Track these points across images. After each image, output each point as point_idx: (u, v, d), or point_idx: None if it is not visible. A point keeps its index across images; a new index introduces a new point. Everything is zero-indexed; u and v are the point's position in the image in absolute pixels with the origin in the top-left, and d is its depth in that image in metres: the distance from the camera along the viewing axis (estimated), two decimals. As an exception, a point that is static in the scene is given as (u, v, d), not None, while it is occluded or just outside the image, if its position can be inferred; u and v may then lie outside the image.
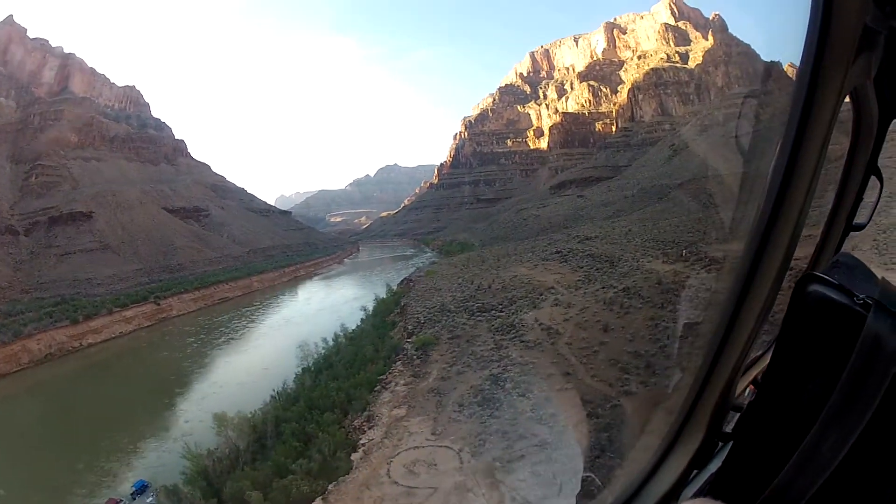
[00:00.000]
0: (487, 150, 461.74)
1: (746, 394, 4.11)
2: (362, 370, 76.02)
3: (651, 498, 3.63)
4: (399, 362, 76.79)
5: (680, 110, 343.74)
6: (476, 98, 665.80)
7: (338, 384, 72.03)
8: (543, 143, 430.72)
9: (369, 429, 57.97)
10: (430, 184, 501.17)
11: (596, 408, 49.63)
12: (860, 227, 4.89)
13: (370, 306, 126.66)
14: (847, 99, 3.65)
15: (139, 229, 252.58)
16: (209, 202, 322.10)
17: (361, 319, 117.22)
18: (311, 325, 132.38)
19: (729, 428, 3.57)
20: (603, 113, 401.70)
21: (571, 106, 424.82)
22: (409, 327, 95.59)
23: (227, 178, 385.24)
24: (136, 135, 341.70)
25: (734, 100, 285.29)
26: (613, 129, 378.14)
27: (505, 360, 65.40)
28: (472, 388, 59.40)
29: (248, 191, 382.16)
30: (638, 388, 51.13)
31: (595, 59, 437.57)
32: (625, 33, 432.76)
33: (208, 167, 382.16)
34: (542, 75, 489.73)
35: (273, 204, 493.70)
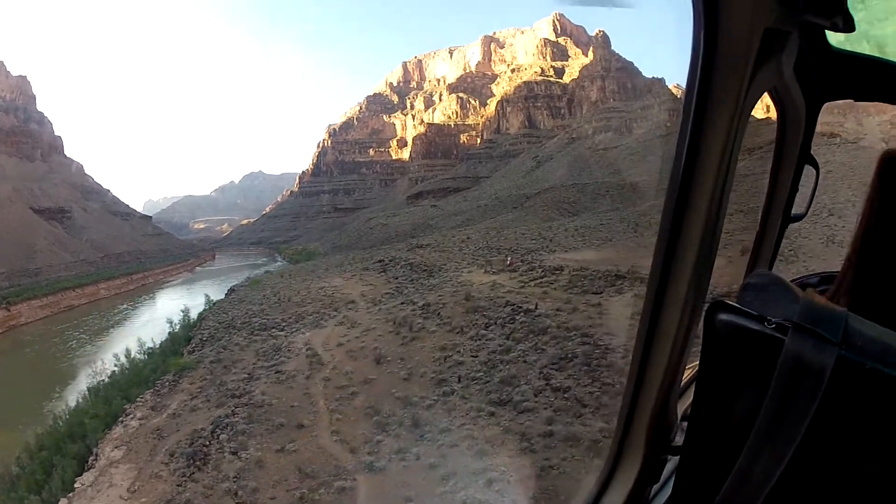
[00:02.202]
0: (349, 158, 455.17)
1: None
2: (126, 394, 66.76)
3: None
4: (150, 391, 66.55)
5: (548, 123, 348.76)
6: (347, 106, 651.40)
7: (96, 410, 62.42)
8: (406, 154, 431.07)
9: (86, 470, 48.50)
10: (291, 192, 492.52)
11: (317, 487, 38.95)
12: (798, 218, 4.70)
13: (192, 318, 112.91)
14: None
15: (4, 229, 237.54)
16: (74, 204, 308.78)
17: (169, 333, 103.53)
18: (128, 339, 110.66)
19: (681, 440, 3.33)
20: (469, 125, 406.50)
21: (438, 117, 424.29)
22: (191, 346, 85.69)
23: (97, 180, 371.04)
24: (18, 128, 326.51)
25: (607, 114, 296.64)
26: (479, 141, 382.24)
27: (245, 398, 54.44)
28: (191, 434, 49.12)
29: (118, 193, 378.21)
30: (389, 460, 40.48)
31: (468, 71, 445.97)
32: (502, 47, 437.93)
33: (81, 167, 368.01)
34: (412, 86, 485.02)
35: (142, 208, 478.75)
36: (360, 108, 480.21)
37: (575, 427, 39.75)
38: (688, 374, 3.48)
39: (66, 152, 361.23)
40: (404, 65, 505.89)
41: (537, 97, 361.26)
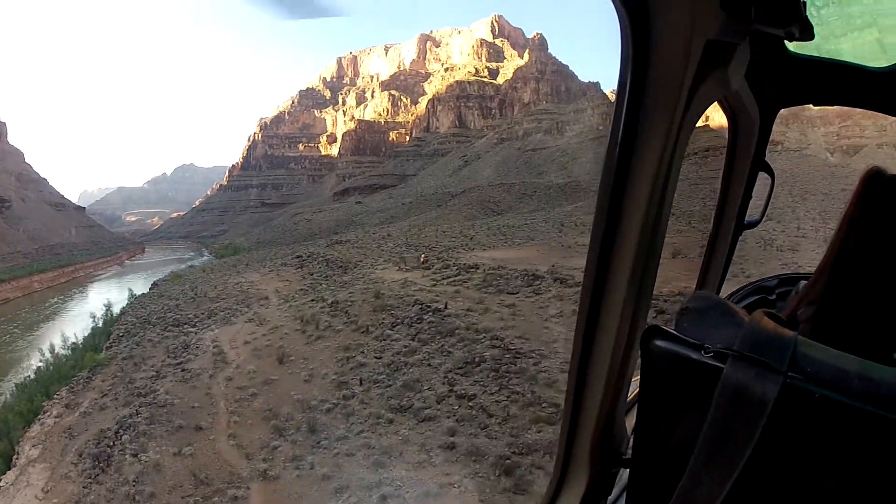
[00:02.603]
0: (279, 153, 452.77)
1: None
2: (47, 391, 64.83)
3: None
4: (66, 388, 64.08)
5: (479, 123, 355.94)
6: (281, 100, 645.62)
7: (20, 407, 60.64)
8: (335, 150, 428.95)
9: (8, 469, 46.63)
10: (221, 185, 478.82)
11: (211, 494, 36.60)
12: (753, 225, 4.80)
13: (114, 313, 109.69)
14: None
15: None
16: (13, 193, 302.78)
17: (91, 328, 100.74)
18: (57, 334, 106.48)
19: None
20: (399, 123, 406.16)
21: (369, 114, 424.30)
22: (110, 342, 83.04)
23: (35, 168, 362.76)
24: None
25: (538, 116, 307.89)
26: (408, 138, 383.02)
27: (150, 397, 51.87)
28: (97, 434, 46.86)
29: (54, 183, 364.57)
30: (284, 468, 37.95)
31: (402, 69, 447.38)
32: (438, 46, 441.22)
33: (22, 155, 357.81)
34: (345, 81, 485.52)
35: (77, 199, 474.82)
36: (293, 103, 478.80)
37: (479, 440, 36.81)
38: (636, 385, 3.05)
39: (9, 139, 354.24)
40: (339, 60, 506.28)
41: (469, 97, 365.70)
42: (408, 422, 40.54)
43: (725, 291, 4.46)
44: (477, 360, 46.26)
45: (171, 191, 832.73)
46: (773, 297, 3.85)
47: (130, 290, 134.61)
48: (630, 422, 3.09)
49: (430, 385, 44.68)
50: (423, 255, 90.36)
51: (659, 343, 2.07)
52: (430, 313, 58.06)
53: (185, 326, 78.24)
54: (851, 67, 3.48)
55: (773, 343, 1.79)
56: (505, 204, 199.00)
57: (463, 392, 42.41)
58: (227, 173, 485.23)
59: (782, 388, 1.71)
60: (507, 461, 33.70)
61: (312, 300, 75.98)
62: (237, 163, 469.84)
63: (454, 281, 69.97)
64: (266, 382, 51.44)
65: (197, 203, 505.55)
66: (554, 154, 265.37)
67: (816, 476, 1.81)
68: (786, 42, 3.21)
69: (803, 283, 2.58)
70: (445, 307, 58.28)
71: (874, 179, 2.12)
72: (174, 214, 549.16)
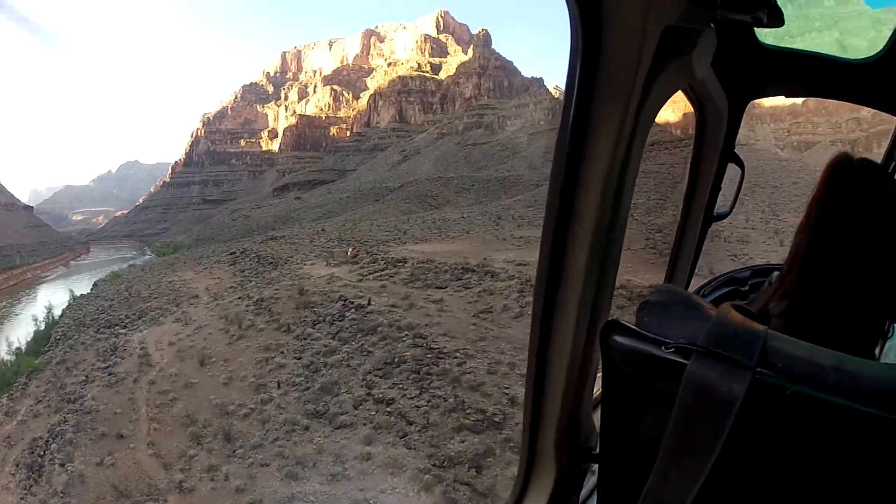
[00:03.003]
0: (221, 149, 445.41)
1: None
2: None
3: None
4: (6, 395, 60.75)
5: (420, 118, 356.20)
6: (224, 95, 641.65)
7: None
8: (276, 146, 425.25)
9: None
10: (164, 182, 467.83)
11: None
12: (722, 217, 4.76)
13: (55, 315, 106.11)
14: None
15: None
16: None
17: (34, 332, 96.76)
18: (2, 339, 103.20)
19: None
20: (340, 118, 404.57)
21: (311, 109, 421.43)
22: (48, 345, 79.63)
23: None
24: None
25: (479, 110, 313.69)
26: (349, 134, 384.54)
27: (78, 403, 49.26)
28: (31, 443, 45.17)
29: (6, 183, 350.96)
30: (199, 480, 35.74)
31: (345, 64, 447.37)
32: (382, 41, 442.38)
33: None
34: (289, 76, 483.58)
35: (27, 198, 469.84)
36: (236, 98, 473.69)
37: (398, 450, 34.25)
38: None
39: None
40: (283, 55, 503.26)
41: (411, 92, 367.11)
42: (323, 429, 38.02)
43: (695, 285, 4.46)
44: (397, 360, 43.54)
45: (116, 188, 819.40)
46: (746, 288, 3.92)
47: (72, 291, 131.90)
48: (598, 416, 2.79)
49: (347, 388, 42.11)
50: (350, 250, 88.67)
51: (618, 339, 2.07)
52: (353, 310, 54.95)
53: (117, 328, 75.79)
54: (827, 59, 3.57)
55: (741, 338, 1.77)
56: (443, 198, 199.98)
57: (381, 396, 39.73)
58: (169, 170, 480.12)
59: (751, 385, 1.67)
60: (427, 476, 31.13)
61: (239, 298, 72.97)
62: (180, 159, 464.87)
63: (381, 276, 67.29)
64: (187, 386, 49.19)
65: (140, 201, 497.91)
66: (494, 148, 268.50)
67: (791, 474, 1.78)
68: (756, 32, 3.22)
69: (776, 273, 2.46)
70: (369, 303, 55.40)
71: (841, 166, 2.13)
72: (118, 213, 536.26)
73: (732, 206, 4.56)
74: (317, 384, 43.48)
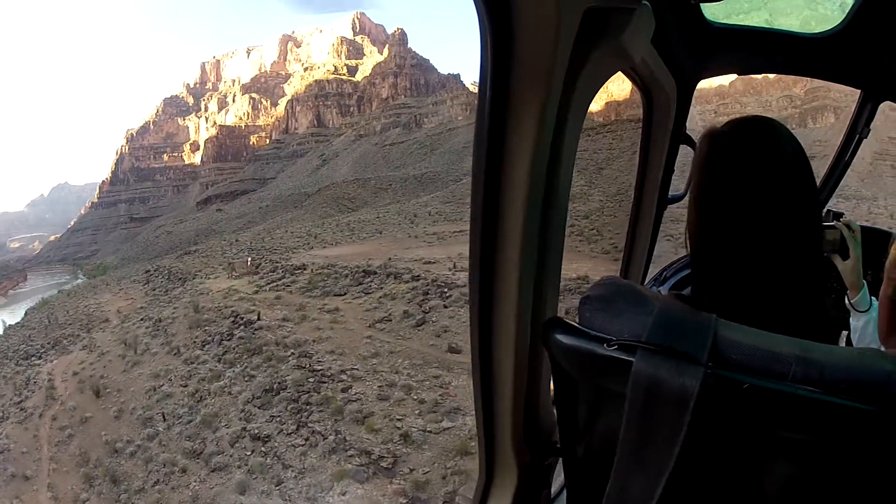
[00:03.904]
0: (145, 165, 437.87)
1: None
2: None
3: None
4: None
5: (337, 122, 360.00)
6: (147, 110, 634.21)
7: None
8: (199, 158, 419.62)
9: None
10: (92, 203, 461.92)
11: None
12: (676, 199, 4.59)
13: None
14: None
15: None
16: None
17: None
18: None
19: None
20: (259, 126, 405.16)
21: (230, 119, 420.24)
22: None
23: None
24: None
25: (397, 110, 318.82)
26: (268, 141, 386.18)
27: None
28: None
29: None
30: None
31: (263, 71, 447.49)
32: (299, 46, 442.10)
33: None
34: (208, 87, 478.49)
35: None
36: (157, 112, 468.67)
37: (272, 501, 30.53)
38: None
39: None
40: (202, 65, 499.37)
41: (328, 95, 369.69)
42: (200, 471, 34.54)
43: (653, 271, 4.56)
44: (277, 386, 39.28)
45: (49, 213, 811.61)
46: None
47: (4, 322, 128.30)
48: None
49: (227, 421, 38.41)
50: (249, 260, 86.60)
51: (559, 337, 1.97)
52: (242, 327, 50.82)
53: (33, 359, 74.38)
54: (783, 35, 3.58)
55: (690, 328, 1.71)
56: (360, 199, 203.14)
57: (257, 432, 35.79)
58: (97, 190, 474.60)
59: (704, 381, 1.59)
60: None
61: (142, 319, 70.08)
62: (106, 178, 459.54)
63: (278, 285, 63.96)
64: (82, 421, 47.07)
65: (72, 224, 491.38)
66: (412, 147, 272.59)
67: (761, 466, 1.70)
68: (703, 10, 3.16)
69: None
70: (258, 318, 51.05)
71: (712, 139, 2.10)
72: (52, 238, 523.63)
73: (687, 189, 3.24)
74: (199, 416, 40.43)
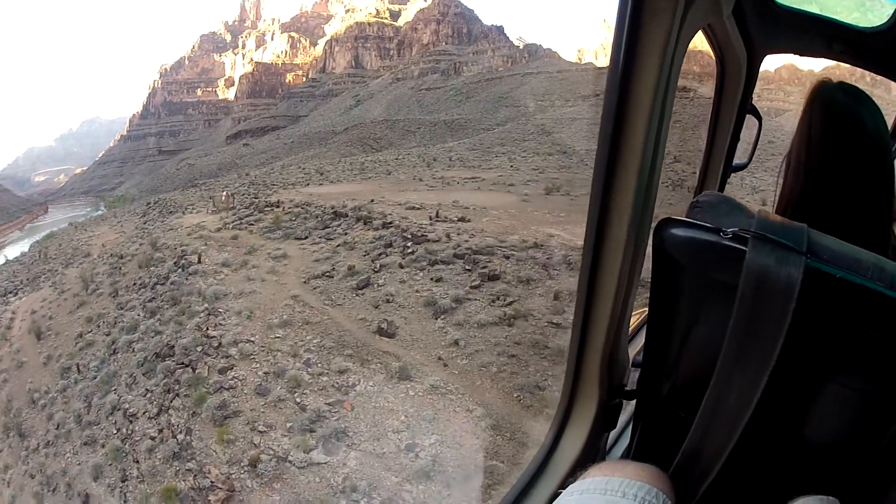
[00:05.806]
0: (178, 99, 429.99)
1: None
2: None
3: (562, 465, 3.28)
4: None
5: (376, 64, 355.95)
6: (183, 47, 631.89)
7: None
8: (233, 94, 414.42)
9: None
10: (122, 136, 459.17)
11: None
12: (740, 168, 4.99)
13: None
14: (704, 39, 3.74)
15: None
16: None
17: None
18: None
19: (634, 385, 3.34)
20: (297, 64, 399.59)
21: (268, 56, 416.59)
22: None
23: None
24: None
25: (436, 56, 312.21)
26: (304, 80, 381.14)
27: None
28: None
29: None
30: None
31: (304, 11, 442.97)
32: None
33: None
34: (247, 25, 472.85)
35: None
36: (193, 48, 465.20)
37: (114, 499, 24.88)
38: (635, 319, 3.55)
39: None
40: (242, 3, 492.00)
41: (368, 38, 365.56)
42: (76, 440, 30.45)
43: None
44: (165, 351, 32.40)
45: (78, 146, 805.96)
46: None
47: (6, 257, 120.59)
48: (631, 354, 3.16)
49: (116, 385, 32.88)
50: (225, 194, 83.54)
51: (674, 231, 2.12)
52: (179, 270, 43.99)
53: (9, 296, 69.33)
54: (837, 24, 3.68)
55: (789, 228, 1.84)
56: (386, 141, 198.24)
57: (128, 407, 29.38)
58: (127, 123, 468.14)
59: (805, 271, 1.73)
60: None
61: (111, 255, 63.70)
62: (137, 112, 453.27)
63: (243, 223, 56.81)
64: (19, 366, 43.22)
65: (99, 156, 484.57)
66: (448, 93, 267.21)
67: (838, 361, 1.87)
68: None
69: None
70: (199, 261, 44.41)
71: (820, 90, 2.41)
72: (78, 170, 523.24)
73: (750, 158, 4.56)
74: (101, 374, 34.70)
